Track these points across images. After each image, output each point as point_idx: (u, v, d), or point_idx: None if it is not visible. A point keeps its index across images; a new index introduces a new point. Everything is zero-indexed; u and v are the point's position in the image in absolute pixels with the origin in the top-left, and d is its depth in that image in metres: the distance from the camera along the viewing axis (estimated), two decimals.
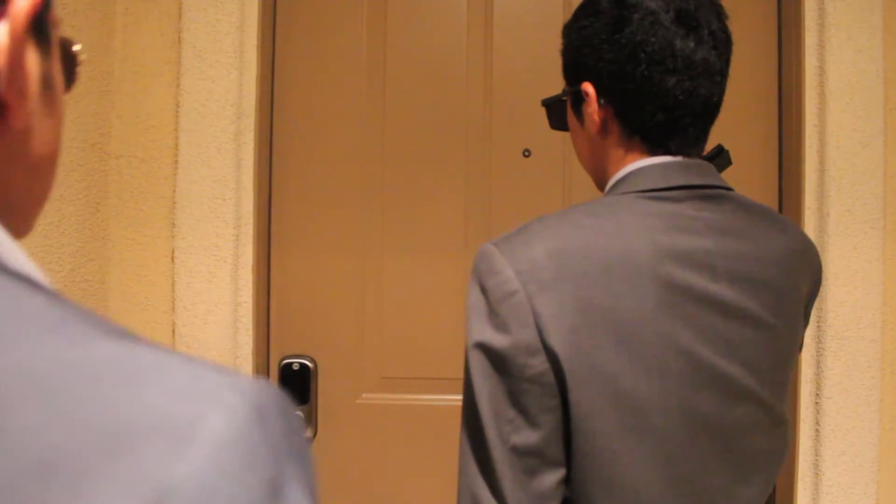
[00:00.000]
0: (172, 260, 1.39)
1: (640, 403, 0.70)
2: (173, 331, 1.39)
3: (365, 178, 1.50)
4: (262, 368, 1.47)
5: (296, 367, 1.48)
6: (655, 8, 0.75)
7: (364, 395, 1.51)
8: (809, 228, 1.38)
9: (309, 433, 1.49)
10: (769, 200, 1.49)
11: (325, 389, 1.50)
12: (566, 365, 0.68)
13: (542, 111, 0.91)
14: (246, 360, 1.39)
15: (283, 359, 1.49)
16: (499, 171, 1.50)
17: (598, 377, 0.69)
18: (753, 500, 0.76)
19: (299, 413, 0.32)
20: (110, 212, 1.39)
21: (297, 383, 1.48)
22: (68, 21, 1.23)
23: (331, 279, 1.50)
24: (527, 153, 1.49)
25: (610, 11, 0.77)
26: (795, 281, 0.78)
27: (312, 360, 1.49)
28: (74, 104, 1.25)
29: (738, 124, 1.49)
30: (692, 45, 0.74)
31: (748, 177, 1.49)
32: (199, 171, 1.38)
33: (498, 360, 0.70)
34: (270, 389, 0.31)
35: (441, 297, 1.50)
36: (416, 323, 1.50)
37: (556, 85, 0.87)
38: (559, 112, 0.87)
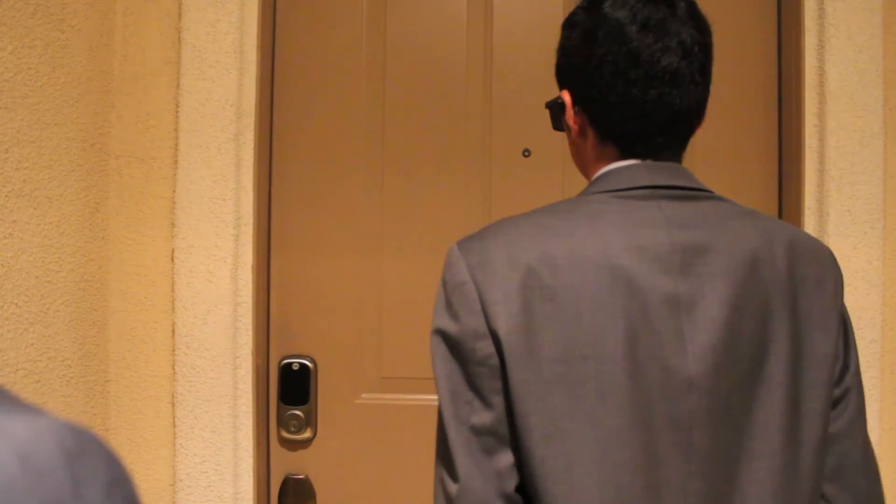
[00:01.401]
0: (172, 260, 1.39)
1: (574, 389, 0.72)
2: (173, 331, 1.39)
3: (365, 177, 1.50)
4: (262, 368, 1.47)
5: (296, 367, 1.48)
6: (623, 19, 0.78)
7: (364, 395, 1.51)
8: (809, 228, 1.38)
9: (308, 433, 1.49)
10: (769, 200, 1.49)
11: (325, 389, 1.50)
12: (506, 347, 0.73)
13: (542, 110, 0.93)
14: (246, 360, 1.39)
15: (283, 359, 1.49)
16: (499, 171, 1.50)
17: (535, 360, 0.72)
18: (713, 499, 0.73)
19: (116, 462, 0.30)
20: (110, 212, 1.39)
21: (297, 383, 1.48)
22: (68, 21, 1.23)
23: (330, 279, 1.50)
24: (527, 153, 1.49)
25: (582, 24, 0.81)
26: (765, 275, 0.76)
27: (312, 360, 1.49)
28: (74, 104, 1.25)
29: (738, 125, 1.49)
30: (658, 54, 0.77)
31: (748, 177, 1.49)
32: (199, 171, 1.38)
33: (453, 345, 0.75)
34: (54, 438, 0.30)
35: None
36: (416, 323, 1.50)
37: (555, 85, 0.89)
38: (557, 114, 0.90)
